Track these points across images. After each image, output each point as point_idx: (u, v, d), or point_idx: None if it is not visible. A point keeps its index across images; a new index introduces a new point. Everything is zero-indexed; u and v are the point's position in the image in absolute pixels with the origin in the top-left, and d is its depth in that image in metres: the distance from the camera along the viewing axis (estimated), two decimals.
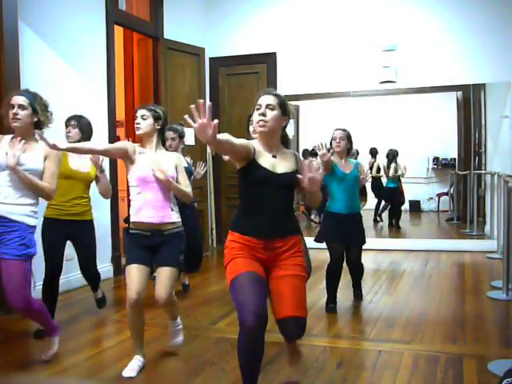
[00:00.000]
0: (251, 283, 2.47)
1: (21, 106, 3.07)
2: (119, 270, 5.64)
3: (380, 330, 3.72)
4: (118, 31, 6.17)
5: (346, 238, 4.24)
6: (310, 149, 7.02)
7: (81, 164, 3.87)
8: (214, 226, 7.37)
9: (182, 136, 4.59)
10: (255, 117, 2.65)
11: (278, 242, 2.58)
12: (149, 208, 3.10)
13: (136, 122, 3.22)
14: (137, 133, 3.25)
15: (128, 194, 6.67)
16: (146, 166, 3.11)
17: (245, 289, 2.46)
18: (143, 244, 3.12)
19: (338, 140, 4.28)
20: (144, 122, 3.20)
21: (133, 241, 3.17)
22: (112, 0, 5.53)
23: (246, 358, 2.49)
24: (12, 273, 2.97)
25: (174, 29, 6.56)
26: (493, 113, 6.87)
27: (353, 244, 4.33)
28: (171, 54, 6.50)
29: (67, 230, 3.83)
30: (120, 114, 6.95)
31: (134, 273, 3.04)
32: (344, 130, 4.32)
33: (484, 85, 6.84)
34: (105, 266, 5.32)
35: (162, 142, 3.33)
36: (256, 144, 2.68)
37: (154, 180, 3.10)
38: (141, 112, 3.21)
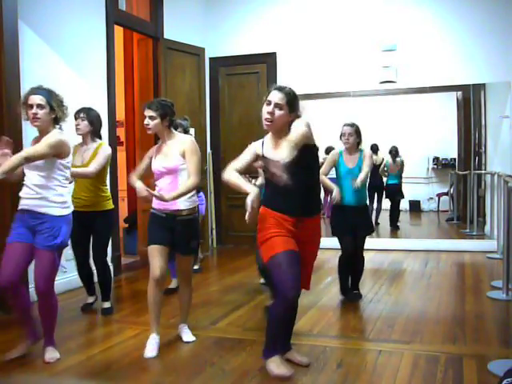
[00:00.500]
0: (289, 261, 2.81)
1: (39, 106, 3.16)
2: (119, 270, 5.64)
3: (380, 330, 3.72)
4: (118, 31, 6.17)
5: (355, 229, 4.34)
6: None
7: (84, 158, 4.09)
8: (214, 226, 7.37)
9: (186, 131, 4.67)
10: (264, 112, 2.86)
11: (306, 220, 2.90)
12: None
13: (145, 122, 3.42)
14: (148, 132, 3.48)
15: (129, 192, 6.71)
16: (158, 160, 3.44)
17: (284, 266, 2.79)
18: (161, 224, 3.41)
19: (346, 136, 4.35)
20: (152, 122, 3.40)
21: (152, 220, 3.47)
22: (112, 0, 5.53)
23: (282, 323, 2.96)
24: (40, 260, 3.17)
25: (174, 29, 6.56)
26: (493, 113, 6.87)
27: (361, 231, 4.41)
28: (171, 54, 6.50)
29: (85, 220, 4.06)
30: (120, 114, 6.95)
31: (156, 252, 3.37)
32: (352, 125, 4.38)
33: (484, 85, 6.84)
34: None
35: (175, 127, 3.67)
36: (267, 138, 2.97)
37: (162, 171, 3.40)
38: (148, 113, 3.40)
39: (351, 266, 4.47)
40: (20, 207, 3.24)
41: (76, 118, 4.07)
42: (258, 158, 2.98)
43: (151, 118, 3.38)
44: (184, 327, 3.64)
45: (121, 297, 4.94)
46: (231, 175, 2.95)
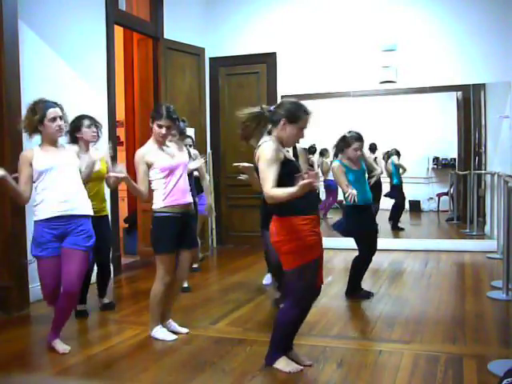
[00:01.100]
0: (315, 268, 2.93)
1: (61, 118, 3.32)
2: (119, 270, 5.64)
3: (380, 330, 3.72)
4: (118, 31, 6.17)
5: (372, 228, 4.54)
6: (307, 147, 7.02)
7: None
8: (214, 226, 7.37)
9: (182, 132, 4.66)
10: (300, 135, 2.97)
11: (318, 217, 3.02)
12: (177, 192, 3.51)
13: (164, 133, 3.51)
14: (162, 140, 3.56)
15: (129, 192, 6.62)
16: (170, 158, 3.53)
17: (310, 276, 2.91)
18: (175, 226, 3.49)
19: (359, 151, 4.45)
20: (169, 131, 3.57)
21: (167, 224, 3.49)
22: (112, 0, 5.53)
23: (295, 326, 3.04)
24: (77, 261, 3.28)
25: (174, 29, 6.56)
26: (493, 113, 6.86)
27: (376, 226, 4.63)
28: (171, 53, 6.50)
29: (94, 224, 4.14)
30: (120, 114, 6.95)
31: (171, 260, 3.53)
32: (362, 140, 4.46)
33: (484, 85, 6.83)
34: None
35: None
36: (273, 142, 2.93)
37: (178, 167, 3.53)
38: (167, 122, 3.51)
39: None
40: (55, 214, 3.26)
41: (89, 127, 4.06)
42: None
43: (169, 127, 3.54)
44: (173, 322, 3.73)
45: (121, 297, 4.94)
46: (275, 191, 2.80)
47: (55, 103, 3.34)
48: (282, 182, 2.84)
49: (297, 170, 2.91)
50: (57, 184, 3.27)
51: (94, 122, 4.09)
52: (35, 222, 3.32)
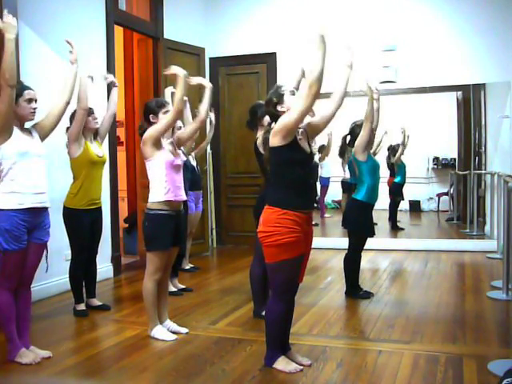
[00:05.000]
0: (297, 265, 2.93)
1: (36, 102, 3.19)
2: (119, 270, 5.64)
3: (380, 330, 3.72)
4: (118, 31, 6.17)
5: (370, 233, 4.53)
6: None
7: (97, 149, 4.15)
8: (214, 226, 7.36)
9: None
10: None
11: (311, 213, 3.01)
12: (176, 188, 3.54)
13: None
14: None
15: (129, 192, 6.69)
16: (172, 154, 3.57)
17: (293, 271, 2.92)
18: (171, 224, 3.50)
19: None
20: None
21: (163, 222, 3.47)
22: (112, 0, 5.53)
23: (284, 323, 3.04)
24: (39, 254, 3.21)
25: (174, 29, 6.56)
26: (493, 113, 6.87)
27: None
28: (171, 53, 6.50)
29: (95, 218, 4.20)
30: (120, 114, 6.95)
31: (164, 258, 3.54)
32: None
33: (484, 85, 6.84)
34: (105, 266, 5.32)
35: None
36: None
37: (180, 162, 3.60)
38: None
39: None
40: (31, 205, 3.05)
41: (90, 115, 4.17)
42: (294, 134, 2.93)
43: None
44: (172, 322, 3.73)
45: (121, 297, 4.94)
46: (313, 74, 3.01)
47: (31, 89, 3.20)
48: (288, 166, 2.88)
49: (305, 159, 2.93)
50: (31, 172, 3.07)
51: (92, 110, 4.17)
52: (5, 210, 3.00)
